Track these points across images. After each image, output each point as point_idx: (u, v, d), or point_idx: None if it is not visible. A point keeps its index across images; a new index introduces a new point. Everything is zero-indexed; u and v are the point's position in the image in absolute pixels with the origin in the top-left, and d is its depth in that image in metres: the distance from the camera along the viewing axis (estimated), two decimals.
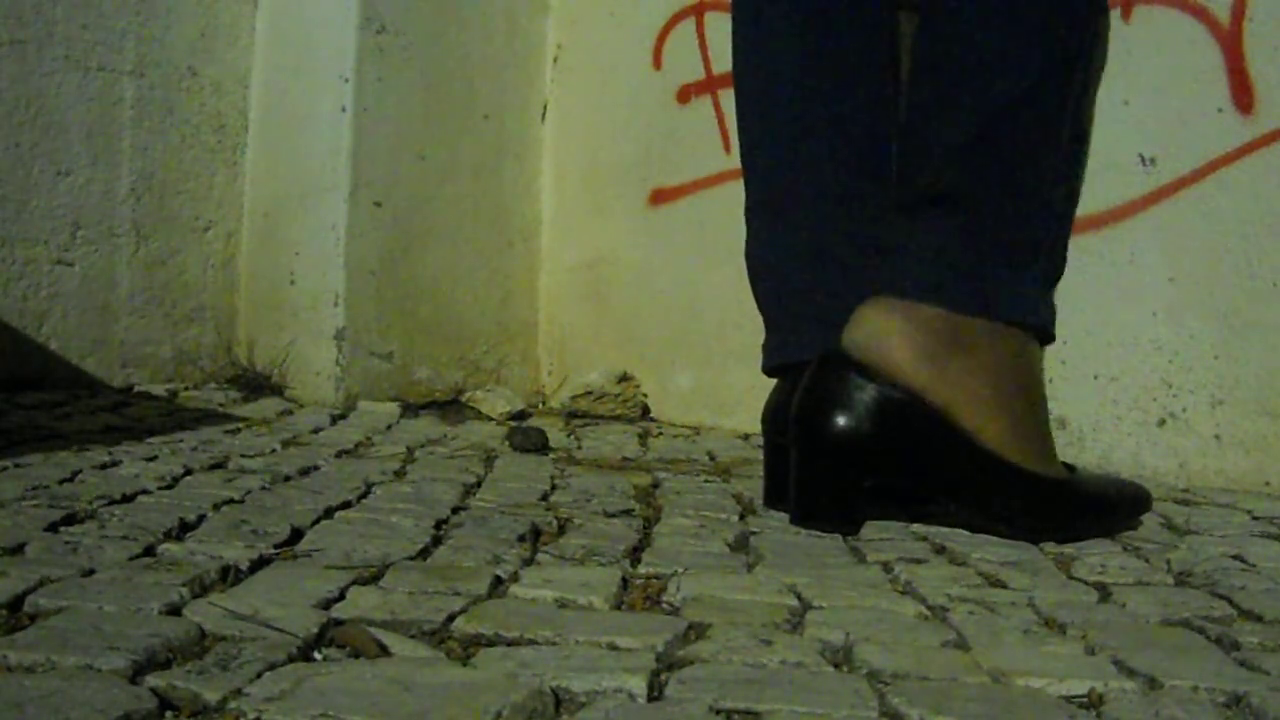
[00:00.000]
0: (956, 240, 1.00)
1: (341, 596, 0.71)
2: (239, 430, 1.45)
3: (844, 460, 0.98)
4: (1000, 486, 0.98)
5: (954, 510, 1.02)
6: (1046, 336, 1.05)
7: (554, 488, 1.17)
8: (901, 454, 0.98)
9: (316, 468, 1.20)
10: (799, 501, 1.00)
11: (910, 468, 0.99)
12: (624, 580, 0.79)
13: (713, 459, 1.49)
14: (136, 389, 1.78)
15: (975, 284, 0.99)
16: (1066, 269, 1.49)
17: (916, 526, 1.04)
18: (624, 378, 1.97)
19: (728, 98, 1.88)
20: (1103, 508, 1.02)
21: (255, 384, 1.85)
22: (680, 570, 0.83)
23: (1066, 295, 1.50)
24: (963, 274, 0.99)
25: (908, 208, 1.02)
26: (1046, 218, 1.03)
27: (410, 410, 1.80)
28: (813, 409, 0.98)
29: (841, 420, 0.97)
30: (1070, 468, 1.05)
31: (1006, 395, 0.98)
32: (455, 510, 1.01)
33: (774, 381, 1.14)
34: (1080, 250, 1.49)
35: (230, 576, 0.74)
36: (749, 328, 1.85)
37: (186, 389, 1.81)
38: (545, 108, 2.13)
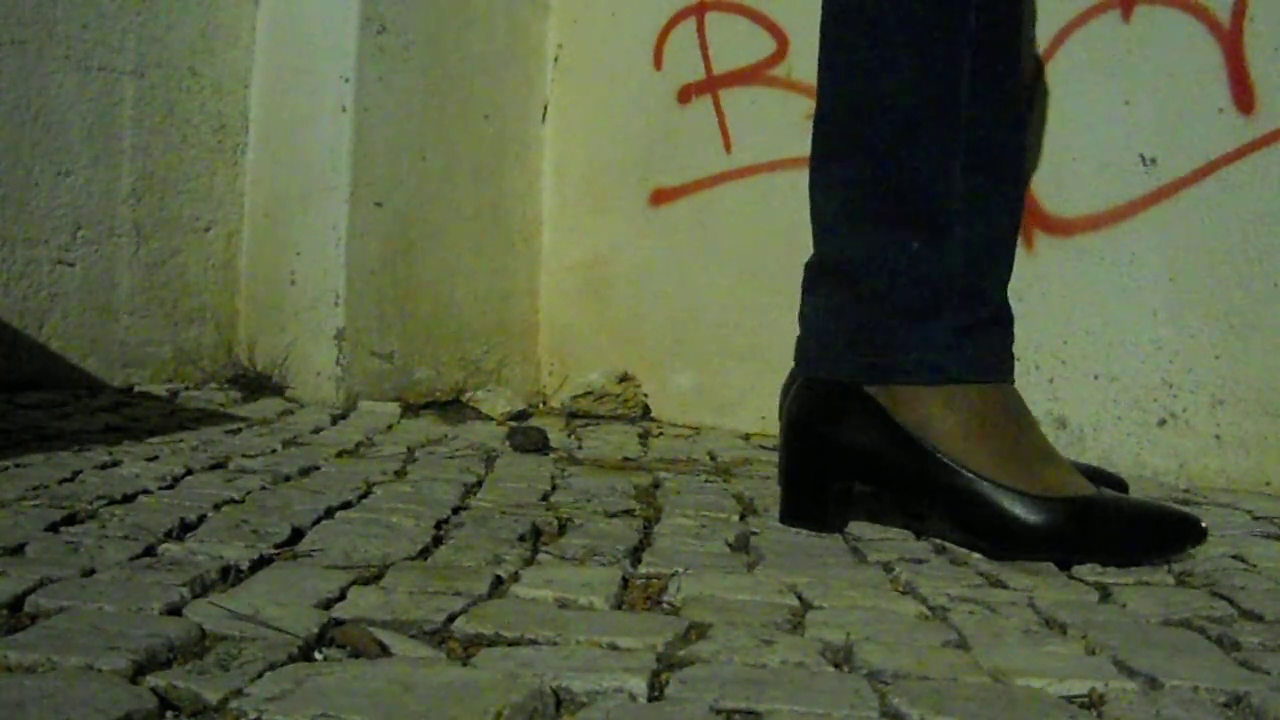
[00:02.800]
0: (846, 308, 1.02)
1: (342, 596, 0.71)
2: (239, 430, 1.45)
3: (822, 463, 1.01)
4: (971, 500, 0.95)
5: (939, 524, 1.02)
6: (992, 376, 1.00)
7: (554, 488, 1.17)
8: (873, 462, 1.00)
9: (317, 468, 1.20)
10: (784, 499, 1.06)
11: (879, 476, 1.00)
12: (624, 580, 0.79)
13: (713, 459, 1.49)
14: (137, 389, 1.78)
15: (857, 354, 1.00)
16: (1065, 269, 1.49)
17: (915, 527, 1.04)
18: (624, 378, 1.97)
19: (728, 98, 1.88)
20: (1106, 531, 0.93)
21: (255, 384, 1.85)
22: (680, 570, 0.83)
23: (1067, 295, 1.50)
24: (844, 344, 1.01)
25: (807, 283, 1.06)
26: (945, 266, 0.98)
27: (411, 410, 1.80)
28: (796, 414, 1.03)
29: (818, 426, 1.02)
30: (1100, 489, 0.98)
31: (977, 430, 0.97)
32: (455, 510, 1.01)
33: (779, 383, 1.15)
34: (1080, 250, 1.49)
35: (230, 576, 0.74)
36: (749, 327, 1.85)
37: (187, 389, 1.81)
38: (545, 108, 2.13)
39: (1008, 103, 1.00)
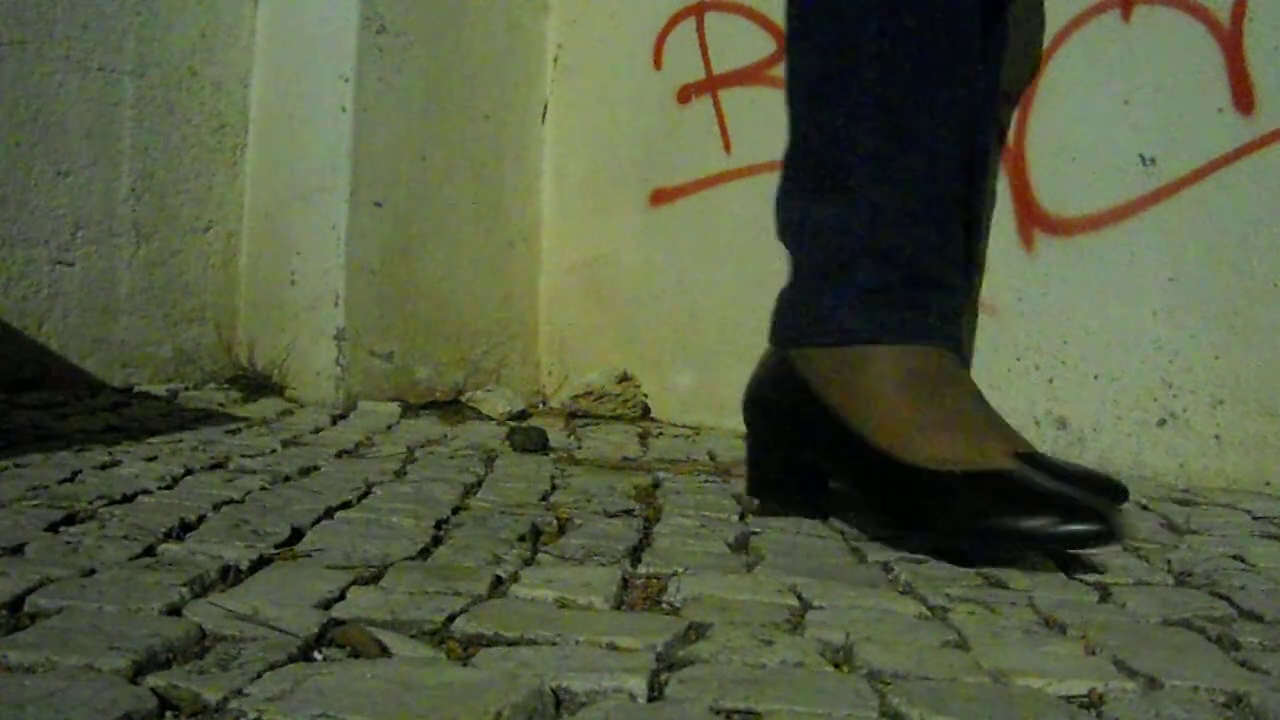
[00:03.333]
0: (788, 276, 1.05)
1: (341, 596, 0.71)
2: (239, 430, 1.45)
3: (767, 433, 1.05)
4: (861, 467, 0.94)
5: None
6: (907, 338, 0.97)
7: (554, 488, 1.17)
8: (796, 429, 1.00)
9: (316, 468, 1.20)
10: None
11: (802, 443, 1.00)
12: (624, 580, 0.80)
13: (713, 459, 1.49)
14: (136, 389, 1.78)
15: (783, 319, 1.04)
16: (1065, 269, 1.49)
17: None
18: (624, 378, 1.97)
19: (728, 97, 1.88)
20: (991, 511, 0.87)
21: (255, 384, 1.85)
22: (680, 570, 0.83)
23: (1066, 295, 1.50)
24: (778, 310, 1.05)
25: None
26: (853, 228, 0.99)
27: (410, 410, 1.80)
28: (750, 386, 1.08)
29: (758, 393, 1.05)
30: (1022, 465, 0.92)
31: (881, 393, 0.95)
32: (455, 510, 1.01)
33: None
34: (1080, 250, 1.49)
35: (230, 576, 0.74)
36: (749, 327, 1.85)
37: (186, 389, 1.81)
38: (545, 108, 2.13)
39: (933, 64, 0.98)
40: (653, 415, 1.96)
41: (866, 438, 0.92)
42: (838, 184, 0.99)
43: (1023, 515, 0.86)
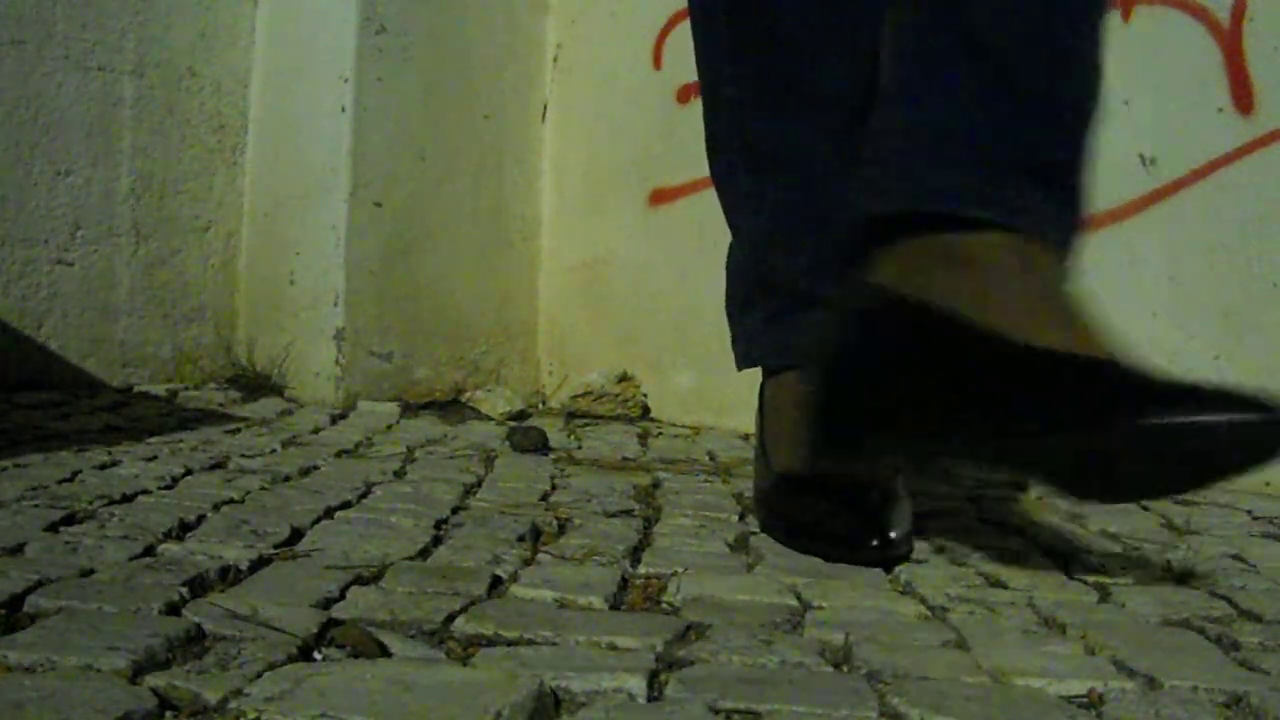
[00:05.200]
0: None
1: (341, 596, 0.71)
2: (238, 430, 1.45)
3: None
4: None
5: None
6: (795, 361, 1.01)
7: (554, 488, 1.17)
8: None
9: (316, 468, 1.20)
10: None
11: None
12: (624, 580, 0.79)
13: (713, 459, 1.49)
14: (136, 389, 1.78)
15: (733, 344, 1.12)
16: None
17: (916, 527, 1.04)
18: (624, 378, 1.97)
19: None
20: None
21: (255, 384, 1.85)
22: (680, 570, 0.83)
23: None
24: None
25: None
26: (742, 260, 1.06)
27: (410, 410, 1.80)
28: None
29: None
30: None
31: (771, 416, 1.05)
32: (455, 510, 1.01)
33: None
34: (1079, 250, 1.49)
35: (230, 576, 0.74)
36: None
37: (186, 389, 1.81)
38: (544, 107, 2.13)
39: (788, 101, 1.00)
40: (652, 415, 1.96)
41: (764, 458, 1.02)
42: (729, 219, 1.06)
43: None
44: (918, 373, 0.82)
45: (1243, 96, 1.37)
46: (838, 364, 0.88)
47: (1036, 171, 0.84)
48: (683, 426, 1.87)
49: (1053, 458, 0.77)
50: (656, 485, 1.22)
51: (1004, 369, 0.77)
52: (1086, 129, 0.86)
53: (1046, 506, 1.19)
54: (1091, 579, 0.86)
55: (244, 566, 0.76)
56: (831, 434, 0.90)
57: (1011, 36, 0.83)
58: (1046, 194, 0.85)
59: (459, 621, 0.66)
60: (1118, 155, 1.45)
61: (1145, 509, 1.19)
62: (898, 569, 0.87)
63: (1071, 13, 0.85)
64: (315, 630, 0.63)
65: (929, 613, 0.75)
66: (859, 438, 0.89)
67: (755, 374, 1.13)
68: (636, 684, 0.57)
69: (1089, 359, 0.78)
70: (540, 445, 1.46)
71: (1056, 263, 0.87)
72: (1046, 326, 0.79)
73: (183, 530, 0.86)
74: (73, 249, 1.72)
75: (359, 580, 0.74)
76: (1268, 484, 1.34)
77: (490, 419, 1.80)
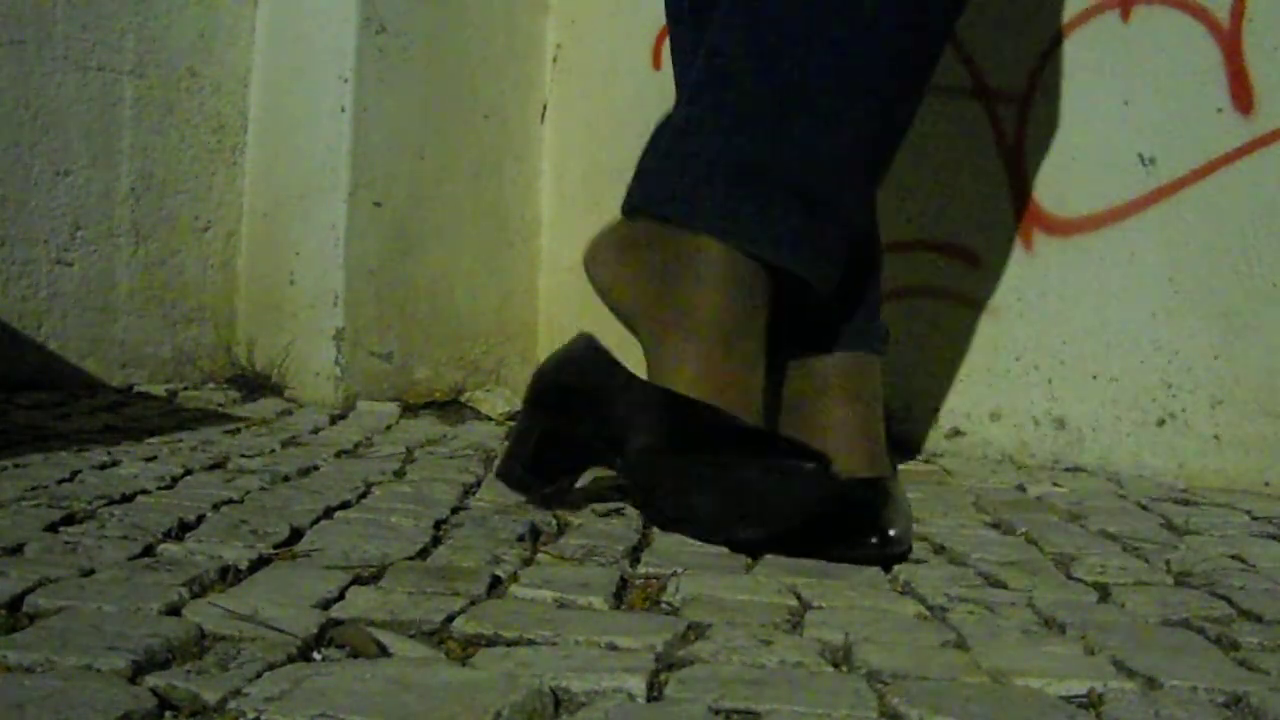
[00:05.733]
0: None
1: (341, 596, 0.71)
2: (238, 430, 1.45)
3: None
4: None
5: None
6: None
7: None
8: None
9: (316, 468, 1.20)
10: None
11: None
12: (623, 580, 0.79)
13: None
14: (136, 389, 1.78)
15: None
16: (1065, 269, 1.49)
17: (916, 527, 1.04)
18: None
19: None
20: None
21: (254, 384, 1.85)
22: (680, 570, 0.83)
23: (1065, 295, 1.50)
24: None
25: None
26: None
27: (410, 410, 1.80)
28: None
29: None
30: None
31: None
32: (455, 510, 1.01)
33: None
34: (1079, 250, 1.49)
35: (230, 576, 0.74)
36: None
37: (186, 389, 1.81)
38: (544, 107, 2.13)
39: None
40: None
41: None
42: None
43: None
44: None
45: (1242, 96, 1.37)
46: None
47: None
48: None
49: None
50: None
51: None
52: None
53: (1046, 506, 1.19)
54: (1091, 579, 0.86)
55: (243, 566, 0.76)
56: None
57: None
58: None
59: (459, 621, 0.66)
60: (1118, 155, 1.45)
61: (1145, 509, 1.19)
62: (897, 569, 0.87)
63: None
64: (315, 630, 0.63)
65: (929, 613, 0.75)
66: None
67: None
68: (636, 684, 0.57)
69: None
70: None
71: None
72: None
73: (182, 530, 0.86)
74: (72, 249, 1.72)
75: (359, 580, 0.74)
76: (1267, 484, 1.34)
77: (490, 419, 1.80)
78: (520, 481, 1.02)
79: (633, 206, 1.01)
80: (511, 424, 1.74)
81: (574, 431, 0.98)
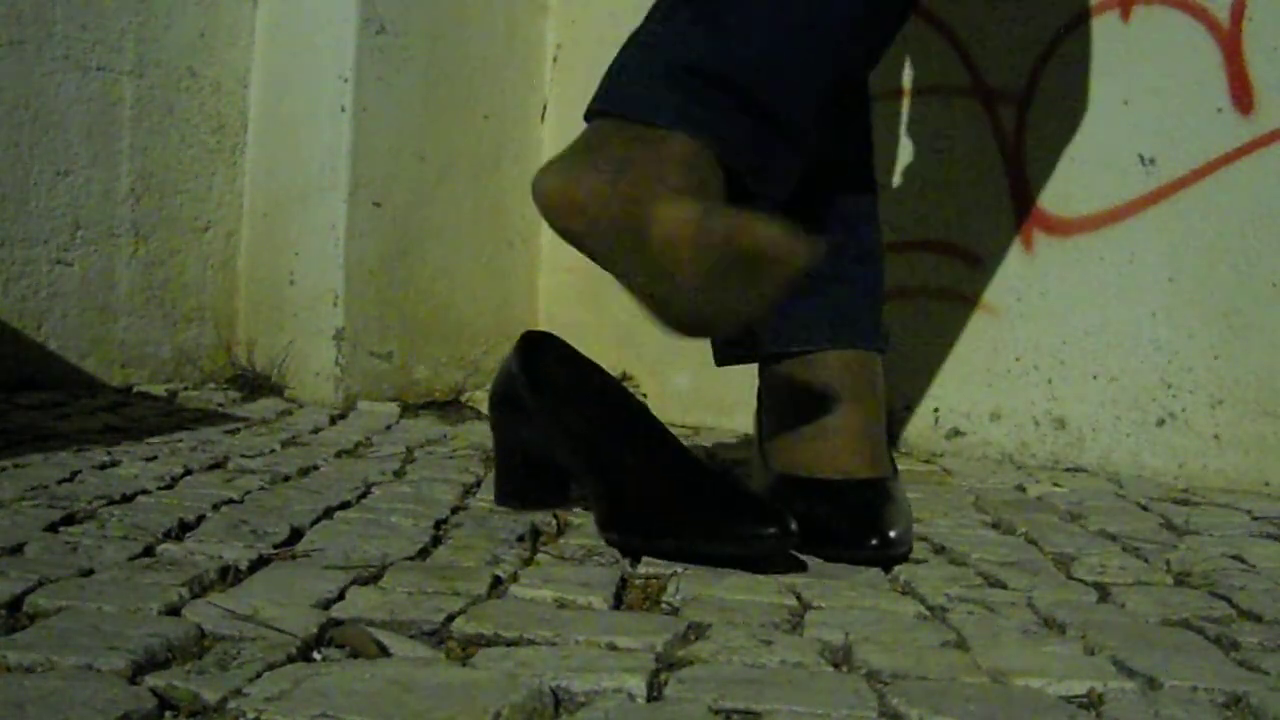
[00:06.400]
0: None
1: (341, 596, 0.71)
2: (238, 430, 1.45)
3: None
4: None
5: None
6: None
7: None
8: None
9: (316, 468, 1.20)
10: None
11: None
12: (623, 580, 0.79)
13: (712, 458, 1.49)
14: (136, 389, 1.77)
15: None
16: (1065, 269, 1.49)
17: (916, 527, 1.04)
18: (623, 378, 1.97)
19: None
20: None
21: (255, 384, 1.85)
22: (680, 570, 0.83)
23: (1065, 295, 1.50)
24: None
25: None
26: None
27: (410, 410, 1.80)
28: None
29: None
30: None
31: None
32: (455, 510, 1.01)
33: None
34: (1079, 250, 1.49)
35: (230, 576, 0.74)
36: None
37: (186, 389, 1.81)
38: (544, 107, 2.13)
39: None
40: None
41: None
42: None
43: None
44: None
45: (1242, 96, 1.37)
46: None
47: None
48: (682, 426, 1.86)
49: None
50: None
51: None
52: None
53: (1046, 506, 1.19)
54: (1091, 579, 0.86)
55: (244, 566, 0.76)
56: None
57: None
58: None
59: (459, 621, 0.66)
60: (1117, 155, 1.45)
61: (1145, 509, 1.19)
62: (897, 569, 0.87)
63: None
64: (315, 630, 0.63)
65: (929, 613, 0.75)
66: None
67: (754, 374, 1.13)
68: (636, 684, 0.57)
69: None
70: None
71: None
72: None
73: (182, 530, 0.86)
74: (72, 249, 1.72)
75: (359, 580, 0.74)
76: (1267, 484, 1.34)
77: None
78: (515, 498, 1.03)
79: (591, 113, 0.95)
80: None
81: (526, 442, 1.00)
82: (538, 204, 0.94)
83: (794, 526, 0.83)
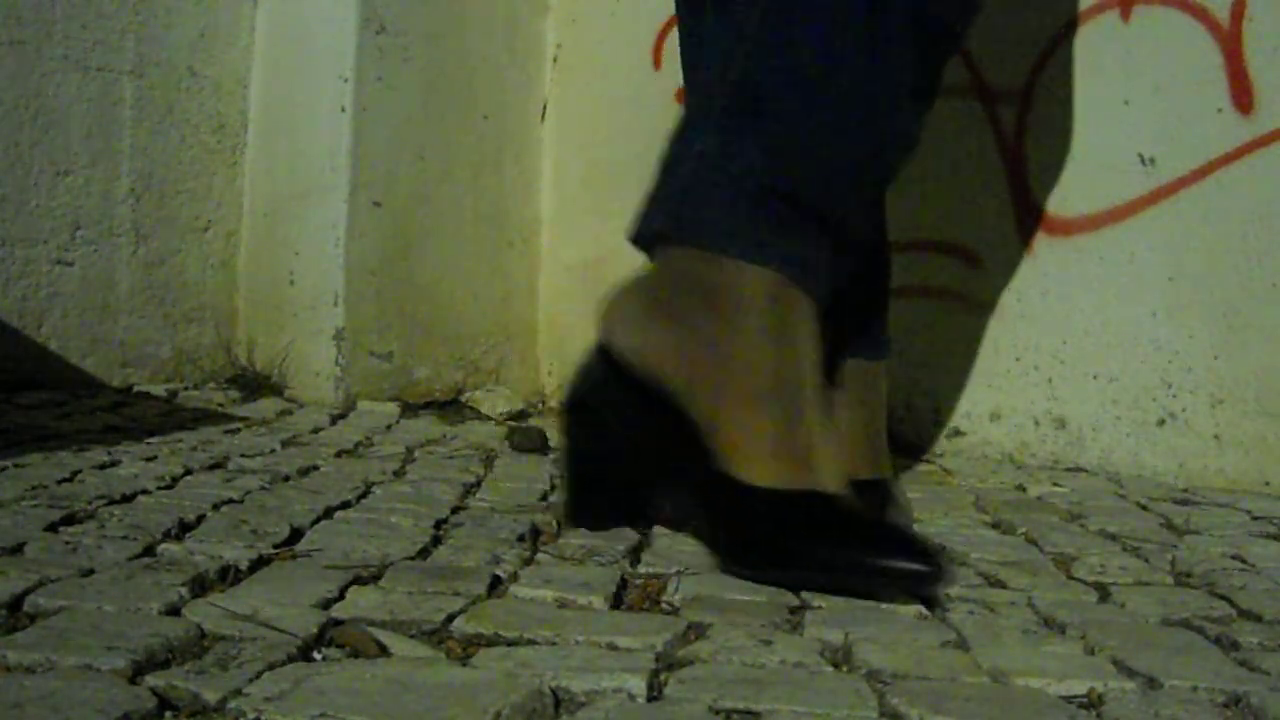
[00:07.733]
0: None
1: (341, 596, 0.71)
2: (238, 430, 1.45)
3: None
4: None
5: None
6: None
7: (554, 488, 1.17)
8: None
9: (316, 468, 1.20)
10: None
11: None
12: (624, 580, 0.79)
13: None
14: (136, 389, 1.77)
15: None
16: (1065, 269, 1.49)
17: (916, 527, 1.04)
18: None
19: None
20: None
21: (255, 384, 1.85)
22: (680, 570, 0.83)
23: (1066, 295, 1.50)
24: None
25: None
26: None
27: (410, 410, 1.80)
28: None
29: None
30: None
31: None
32: (455, 510, 1.01)
33: None
34: (1079, 250, 1.49)
35: (230, 576, 0.74)
36: None
37: (186, 389, 1.81)
38: (544, 107, 2.13)
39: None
40: None
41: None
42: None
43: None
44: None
45: (1242, 96, 1.37)
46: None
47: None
48: None
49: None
50: None
51: None
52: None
53: (1046, 506, 1.19)
54: (1091, 579, 0.86)
55: (244, 566, 0.76)
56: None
57: None
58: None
59: (459, 621, 0.66)
60: (1118, 155, 1.45)
61: (1145, 509, 1.19)
62: None
63: None
64: (315, 630, 0.63)
65: (929, 613, 0.75)
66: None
67: None
68: (636, 684, 0.57)
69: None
70: (540, 445, 1.46)
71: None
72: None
73: (182, 530, 0.86)
74: (73, 249, 1.72)
75: (359, 580, 0.74)
76: (1268, 484, 1.34)
77: (490, 419, 1.80)
78: (596, 519, 0.95)
79: (651, 234, 0.91)
80: (511, 424, 1.74)
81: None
82: (615, 354, 0.91)
83: (944, 565, 0.77)
